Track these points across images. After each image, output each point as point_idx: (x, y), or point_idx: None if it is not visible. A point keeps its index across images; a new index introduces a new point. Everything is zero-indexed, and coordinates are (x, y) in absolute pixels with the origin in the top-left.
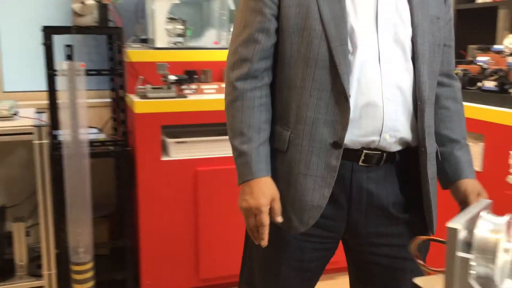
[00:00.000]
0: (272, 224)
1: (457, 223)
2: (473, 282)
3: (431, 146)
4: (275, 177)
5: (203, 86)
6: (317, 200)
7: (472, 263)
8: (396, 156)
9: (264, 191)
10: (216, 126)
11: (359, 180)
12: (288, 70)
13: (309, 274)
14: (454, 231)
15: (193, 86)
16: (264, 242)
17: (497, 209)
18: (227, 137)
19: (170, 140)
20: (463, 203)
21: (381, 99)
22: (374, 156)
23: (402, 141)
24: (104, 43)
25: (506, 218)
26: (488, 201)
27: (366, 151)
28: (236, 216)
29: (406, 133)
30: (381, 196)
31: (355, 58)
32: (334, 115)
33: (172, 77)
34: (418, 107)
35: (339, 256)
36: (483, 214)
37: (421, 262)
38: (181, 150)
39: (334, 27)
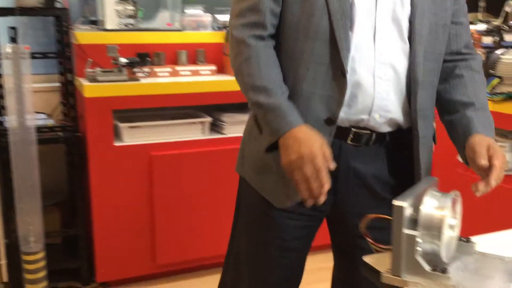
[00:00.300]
0: (256, 201)
1: (403, 200)
2: (419, 259)
3: (425, 130)
4: (253, 162)
5: (156, 69)
6: None
7: (418, 240)
8: (387, 137)
9: (311, 137)
10: (171, 110)
11: (347, 159)
12: (287, 41)
13: (294, 254)
14: (400, 208)
15: (146, 69)
16: (325, 189)
17: (447, 187)
18: (182, 121)
19: (122, 125)
20: (474, 164)
21: (372, 77)
22: (363, 136)
23: (392, 122)
24: (51, 25)
25: (451, 195)
26: (434, 178)
27: (355, 130)
28: (192, 201)
29: (397, 114)
30: (369, 176)
31: (353, 34)
32: (330, 91)
33: (123, 60)
34: (411, 88)
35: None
36: (429, 191)
37: (370, 240)
38: (135, 135)
39: (337, 1)
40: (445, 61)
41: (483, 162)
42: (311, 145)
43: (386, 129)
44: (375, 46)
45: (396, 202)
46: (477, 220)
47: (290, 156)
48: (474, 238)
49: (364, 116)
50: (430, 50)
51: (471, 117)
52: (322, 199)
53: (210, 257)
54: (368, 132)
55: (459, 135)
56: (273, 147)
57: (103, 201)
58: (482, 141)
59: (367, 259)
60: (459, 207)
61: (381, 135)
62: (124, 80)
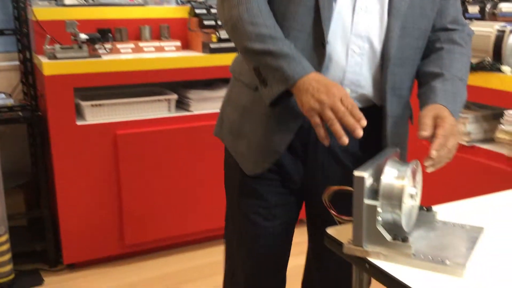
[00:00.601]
0: (234, 166)
1: (363, 171)
2: (380, 228)
3: (397, 109)
4: (242, 112)
5: (119, 46)
6: (276, 145)
7: (379, 209)
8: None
9: (328, 81)
10: (135, 88)
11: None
12: (271, 5)
13: (277, 222)
14: (360, 179)
15: (108, 46)
16: (362, 123)
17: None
18: (148, 98)
19: (85, 103)
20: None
21: (346, 50)
22: None
23: (364, 98)
24: (8, 1)
25: (411, 164)
26: (395, 148)
27: None
28: (159, 180)
29: (369, 90)
30: (337, 149)
31: (336, 5)
32: (308, 60)
33: (83, 36)
34: (383, 65)
35: None
36: (390, 161)
37: (333, 212)
38: (98, 114)
39: None
40: (429, 37)
41: (422, 133)
42: (338, 87)
43: (359, 105)
44: (354, 17)
45: (356, 173)
46: (439, 190)
47: (320, 96)
48: (435, 208)
49: None
50: (411, 26)
51: (435, 87)
52: (360, 132)
53: (179, 235)
54: None
55: (421, 107)
56: (280, 100)
57: (67, 182)
58: (429, 112)
59: (330, 230)
60: (419, 177)
61: None
62: (84, 57)
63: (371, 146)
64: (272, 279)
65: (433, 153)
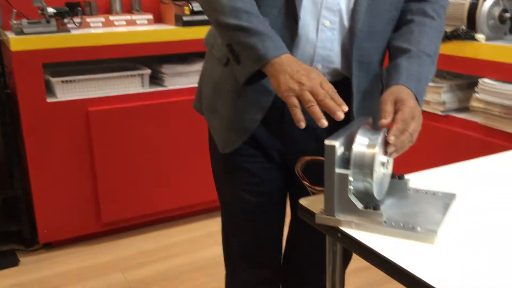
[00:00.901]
0: (214, 142)
1: (334, 140)
2: (352, 197)
3: (366, 84)
4: (214, 88)
5: (88, 19)
6: (247, 123)
7: (350, 178)
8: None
9: (306, 65)
10: (108, 63)
11: None
12: None
13: (265, 197)
14: (331, 148)
15: (77, 20)
16: (344, 108)
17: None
18: (120, 73)
19: (55, 80)
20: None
21: (316, 24)
22: None
23: (336, 73)
24: None
25: (382, 132)
26: (368, 117)
27: None
28: (134, 157)
29: (340, 64)
30: (315, 125)
31: None
32: (280, 37)
33: (51, 10)
34: (349, 38)
35: None
36: (361, 129)
37: (306, 182)
38: (69, 90)
39: None
40: (402, 7)
41: (383, 121)
42: (317, 72)
43: (330, 79)
44: None
45: (327, 142)
46: (414, 159)
47: (300, 77)
48: (408, 176)
49: None
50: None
51: (399, 66)
52: (341, 115)
53: (156, 212)
54: None
55: (384, 87)
56: (254, 78)
57: (40, 161)
58: (390, 96)
59: (303, 201)
60: None
61: None
62: (53, 32)
63: (346, 120)
64: (266, 252)
65: (391, 139)
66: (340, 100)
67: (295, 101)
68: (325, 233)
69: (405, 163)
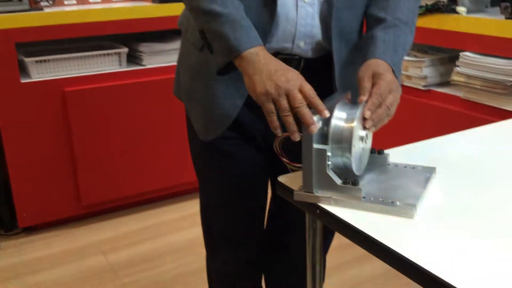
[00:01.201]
0: (194, 129)
1: (312, 115)
2: (330, 173)
3: (347, 55)
4: (191, 74)
5: None
6: (227, 109)
7: (328, 154)
8: (318, 63)
9: (282, 63)
10: (84, 42)
11: None
12: None
13: (245, 180)
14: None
15: None
16: (314, 125)
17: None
18: (97, 52)
19: (29, 60)
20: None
21: (295, 2)
22: (292, 61)
23: (319, 47)
24: None
25: (360, 106)
26: (347, 91)
27: (282, 55)
28: (113, 137)
29: (321, 38)
30: None
31: None
32: (257, 17)
33: None
34: (327, 9)
35: None
36: (339, 104)
37: (285, 159)
38: (44, 70)
39: None
40: None
41: (361, 98)
42: (295, 71)
43: (315, 54)
44: None
45: None
46: (395, 134)
47: (278, 78)
48: (388, 150)
49: (287, 45)
50: None
51: (376, 37)
52: (315, 130)
53: (136, 194)
54: (296, 57)
55: (361, 60)
56: (231, 67)
57: (16, 143)
58: (367, 72)
59: (282, 178)
60: None
61: (310, 61)
62: (25, 10)
63: (329, 93)
64: (247, 232)
65: (367, 113)
66: (321, 105)
67: (271, 107)
68: (304, 210)
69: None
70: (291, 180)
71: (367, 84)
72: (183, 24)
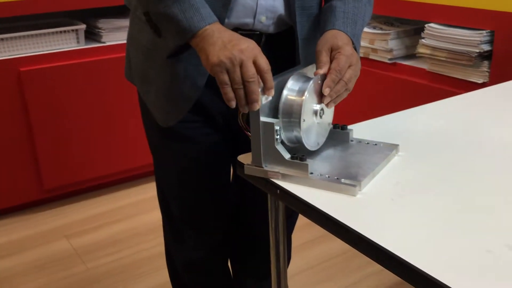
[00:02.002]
0: (150, 114)
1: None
2: (279, 147)
3: (309, 30)
4: (145, 55)
5: None
6: (188, 91)
7: (277, 127)
8: (280, 38)
9: (239, 35)
10: (39, 20)
11: None
12: None
13: (205, 164)
14: None
15: None
16: (256, 104)
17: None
18: (53, 29)
19: None
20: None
21: None
22: (252, 37)
23: (281, 22)
24: None
25: (314, 79)
26: (311, 65)
27: (241, 31)
28: (73, 118)
29: (283, 12)
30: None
31: None
32: None
33: None
34: None
35: None
36: (293, 77)
37: (249, 133)
38: None
39: None
40: None
41: (319, 71)
42: (252, 42)
43: (276, 29)
44: None
45: None
46: (361, 108)
47: (232, 48)
48: (353, 125)
49: (248, 20)
50: None
51: (335, 8)
52: (256, 108)
53: (99, 177)
54: (257, 33)
55: (320, 32)
56: (182, 49)
57: None
58: (325, 45)
59: (241, 157)
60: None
61: (271, 36)
62: None
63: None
64: (211, 217)
65: (326, 90)
66: (271, 84)
67: (225, 78)
68: (254, 184)
69: (353, 112)
70: (249, 157)
71: (324, 58)
72: (132, 2)
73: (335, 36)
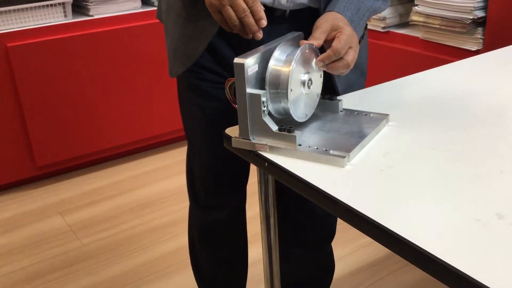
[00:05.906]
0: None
1: (244, 58)
2: (266, 119)
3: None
4: (166, 6)
5: None
6: (190, 50)
7: (264, 98)
8: (303, 14)
9: None
10: None
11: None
12: None
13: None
14: (240, 66)
15: None
16: (262, 24)
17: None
18: (39, 3)
19: None
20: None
21: None
22: (275, 12)
23: (302, 5)
24: None
25: (302, 47)
26: (299, 33)
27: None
28: (63, 94)
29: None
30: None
31: None
32: None
33: None
34: None
35: None
36: (281, 46)
37: (236, 106)
38: None
39: None
40: None
41: (302, 41)
42: None
43: (291, 6)
44: None
45: (236, 60)
46: None
47: None
48: (344, 95)
49: (267, 0)
50: None
51: None
52: (260, 35)
53: (91, 153)
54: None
55: (323, 8)
56: None
57: None
58: (325, 22)
59: (229, 130)
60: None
61: (295, 11)
62: None
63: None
64: (230, 180)
65: (318, 63)
66: (260, 14)
67: (219, 17)
68: (242, 157)
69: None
70: (235, 130)
71: (318, 34)
72: None
73: (335, 17)
